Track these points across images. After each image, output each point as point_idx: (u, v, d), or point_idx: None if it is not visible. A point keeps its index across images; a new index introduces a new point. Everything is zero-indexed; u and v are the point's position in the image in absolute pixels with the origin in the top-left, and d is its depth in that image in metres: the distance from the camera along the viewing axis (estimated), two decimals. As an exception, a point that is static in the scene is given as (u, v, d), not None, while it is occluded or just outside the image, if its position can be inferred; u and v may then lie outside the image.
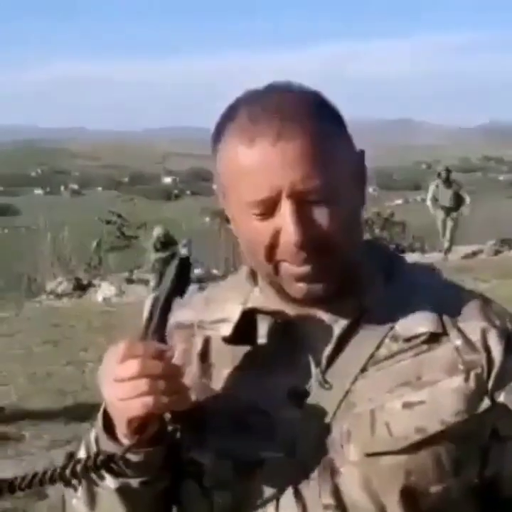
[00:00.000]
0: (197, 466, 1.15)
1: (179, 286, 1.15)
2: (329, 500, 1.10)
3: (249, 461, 1.13)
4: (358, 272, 1.18)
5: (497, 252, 16.26)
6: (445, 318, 1.17)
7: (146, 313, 1.12)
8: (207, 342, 1.21)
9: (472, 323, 1.17)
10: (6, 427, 6.29)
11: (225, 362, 1.19)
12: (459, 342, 1.15)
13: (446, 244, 15.40)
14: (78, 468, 1.09)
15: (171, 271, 1.15)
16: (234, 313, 1.20)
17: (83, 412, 6.55)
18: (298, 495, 1.11)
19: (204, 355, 1.21)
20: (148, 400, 1.03)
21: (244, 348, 1.18)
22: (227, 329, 1.20)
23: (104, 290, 13.68)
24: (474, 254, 16.23)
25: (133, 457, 1.09)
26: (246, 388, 1.16)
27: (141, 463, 1.10)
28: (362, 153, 1.19)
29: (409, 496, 1.10)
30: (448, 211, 15.30)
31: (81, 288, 14.24)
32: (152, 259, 12.16)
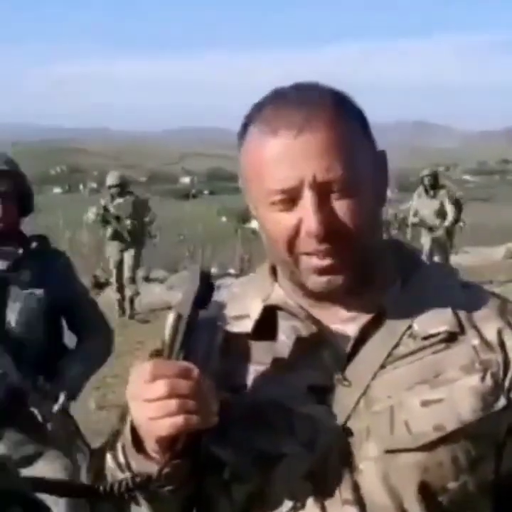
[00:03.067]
0: (217, 459, 1.16)
1: (202, 301, 1.14)
2: (348, 495, 1.12)
3: (269, 455, 1.14)
4: (378, 270, 1.20)
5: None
6: (462, 317, 1.18)
7: (168, 329, 1.10)
8: (228, 337, 1.22)
9: (489, 323, 1.18)
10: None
11: (246, 357, 1.20)
12: (476, 341, 1.17)
13: None
14: (120, 488, 1.12)
15: (193, 286, 1.13)
16: (255, 309, 1.22)
17: (99, 407, 6.62)
18: (317, 490, 1.13)
19: (225, 350, 1.21)
20: (178, 419, 1.03)
21: (265, 344, 1.20)
22: (248, 325, 1.21)
23: (121, 288, 13.70)
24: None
25: (163, 472, 1.10)
26: (266, 383, 1.17)
27: (169, 474, 1.10)
28: (383, 153, 1.21)
29: (427, 492, 1.12)
30: (431, 230, 11.44)
31: (99, 286, 14.28)
32: (109, 207, 10.60)
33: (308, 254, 1.13)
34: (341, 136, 1.12)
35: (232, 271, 14.71)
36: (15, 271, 2.92)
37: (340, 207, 1.12)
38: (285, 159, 1.11)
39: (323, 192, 1.11)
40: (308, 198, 1.11)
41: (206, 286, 1.14)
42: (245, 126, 1.18)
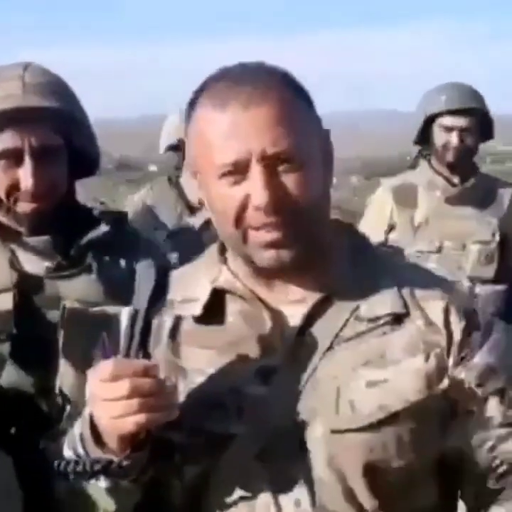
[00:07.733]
0: (169, 443, 1.16)
1: (158, 296, 1.12)
2: (297, 475, 1.13)
3: (220, 436, 1.14)
4: (326, 250, 1.20)
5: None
6: (408, 299, 1.19)
7: (124, 326, 1.08)
8: (176, 321, 1.21)
9: (434, 303, 1.19)
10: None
11: (195, 341, 1.19)
12: (420, 322, 1.17)
13: None
14: (78, 468, 1.10)
15: (149, 282, 1.10)
16: (203, 292, 1.21)
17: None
18: (268, 470, 1.14)
19: (174, 334, 1.20)
20: (141, 417, 1.04)
21: (214, 327, 1.19)
22: (196, 308, 1.20)
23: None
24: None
25: (123, 463, 1.10)
26: (215, 367, 1.17)
27: (129, 466, 1.10)
28: (328, 132, 1.20)
29: (372, 471, 1.13)
30: None
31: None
32: None
33: (256, 228, 1.13)
34: (289, 110, 1.12)
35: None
36: None
37: (289, 180, 1.11)
38: (234, 132, 1.10)
39: (271, 165, 1.10)
40: (256, 171, 1.10)
41: (162, 280, 1.12)
42: (193, 104, 1.17)
